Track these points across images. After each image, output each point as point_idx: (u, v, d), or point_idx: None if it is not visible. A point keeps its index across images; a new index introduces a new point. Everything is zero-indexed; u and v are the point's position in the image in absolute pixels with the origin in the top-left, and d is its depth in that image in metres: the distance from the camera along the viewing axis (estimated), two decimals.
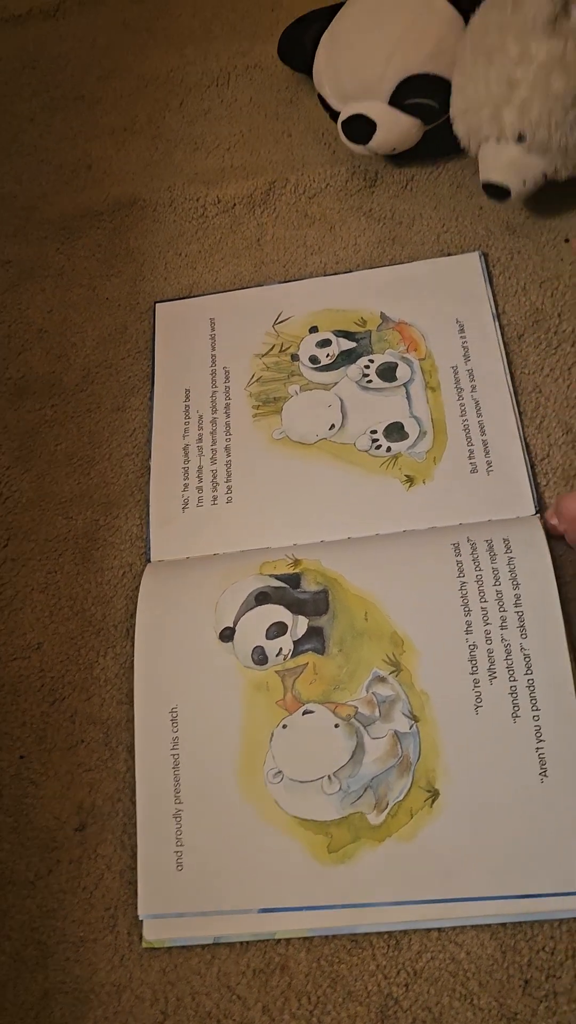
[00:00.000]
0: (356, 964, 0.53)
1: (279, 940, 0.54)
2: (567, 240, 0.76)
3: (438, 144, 0.79)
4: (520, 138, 0.68)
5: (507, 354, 0.72)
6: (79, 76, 1.02)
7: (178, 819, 0.57)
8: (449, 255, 0.78)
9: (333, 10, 0.81)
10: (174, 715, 0.59)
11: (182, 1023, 0.53)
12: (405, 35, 0.72)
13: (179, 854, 0.56)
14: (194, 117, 0.95)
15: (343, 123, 0.77)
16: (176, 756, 0.58)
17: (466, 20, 0.72)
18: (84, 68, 1.03)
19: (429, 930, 0.53)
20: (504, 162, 0.70)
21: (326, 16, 0.82)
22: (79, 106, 0.99)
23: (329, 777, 0.56)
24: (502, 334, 0.73)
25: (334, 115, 0.79)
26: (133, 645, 0.62)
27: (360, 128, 0.75)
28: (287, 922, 0.54)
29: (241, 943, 0.55)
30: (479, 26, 0.69)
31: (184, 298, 0.80)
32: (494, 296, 0.74)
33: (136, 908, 0.56)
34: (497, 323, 0.73)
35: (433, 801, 0.55)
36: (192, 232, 0.85)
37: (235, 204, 0.86)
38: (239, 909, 0.55)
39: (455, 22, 0.73)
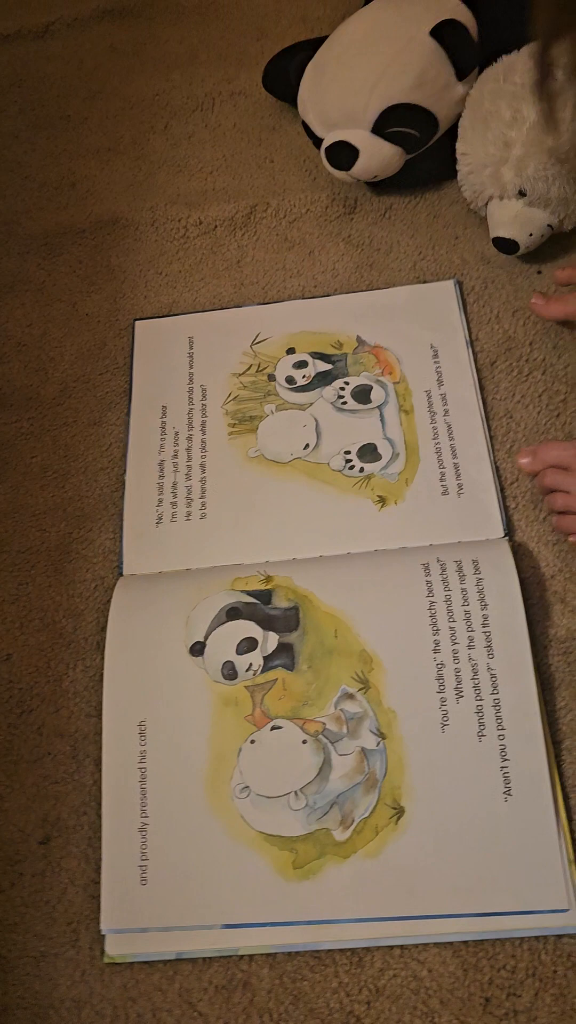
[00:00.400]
0: (319, 981, 0.53)
1: (242, 956, 0.54)
2: (540, 272, 0.78)
3: (418, 173, 0.81)
4: (521, 193, 0.72)
5: (479, 380, 0.73)
6: (65, 96, 1.04)
7: (144, 833, 0.57)
8: (425, 282, 0.79)
9: (318, 42, 0.84)
10: (142, 728, 0.59)
11: None
12: (389, 66, 0.75)
13: (144, 868, 0.56)
14: (178, 140, 0.97)
15: (327, 149, 0.79)
16: (143, 770, 0.58)
17: (448, 53, 0.75)
18: (70, 88, 1.04)
19: (392, 947, 0.54)
20: (509, 217, 0.74)
21: (311, 47, 0.84)
22: (65, 125, 1.01)
23: (296, 793, 0.57)
24: (475, 360, 0.74)
25: (317, 142, 0.81)
26: (103, 658, 0.62)
27: (343, 154, 0.77)
28: (250, 938, 0.54)
29: (204, 959, 0.55)
30: (476, 97, 0.74)
31: (163, 316, 0.81)
32: (468, 323, 0.76)
33: (99, 922, 0.55)
34: (470, 349, 0.74)
35: (399, 818, 0.56)
36: (173, 252, 0.87)
37: (216, 226, 0.87)
38: (203, 925, 0.55)
39: (437, 55, 0.75)
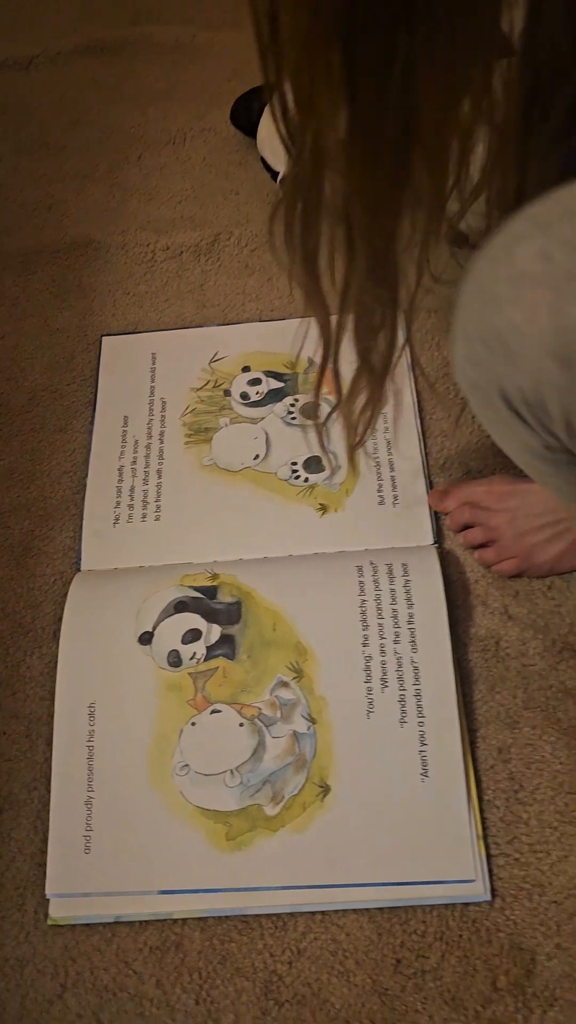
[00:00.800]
0: (245, 943, 0.58)
1: (176, 920, 0.59)
2: None
3: None
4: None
5: (419, 401, 0.80)
6: (47, 125, 1.10)
7: (89, 806, 0.61)
8: None
9: None
10: (92, 710, 0.64)
11: (79, 996, 0.57)
12: None
13: (88, 838, 0.60)
14: (150, 170, 1.03)
15: (281, 181, 0.85)
16: (91, 747, 0.63)
17: None
18: (52, 118, 1.10)
19: (314, 913, 0.58)
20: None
21: None
22: (45, 152, 1.07)
23: (231, 771, 0.62)
24: (415, 383, 0.80)
25: (274, 175, 0.87)
26: (59, 646, 0.66)
27: None
28: (184, 903, 0.59)
29: (140, 922, 0.59)
30: None
31: (129, 333, 0.86)
32: (411, 348, 0.82)
33: (44, 888, 0.60)
34: (411, 373, 0.81)
35: (324, 796, 0.61)
36: (141, 274, 0.92)
37: (182, 251, 0.93)
38: (140, 890, 0.59)
39: None
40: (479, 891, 0.58)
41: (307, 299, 0.49)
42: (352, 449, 0.60)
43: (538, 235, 0.39)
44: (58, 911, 0.59)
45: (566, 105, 0.45)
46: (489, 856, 0.59)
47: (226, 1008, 0.56)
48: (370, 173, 0.41)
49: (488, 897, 0.58)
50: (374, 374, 0.53)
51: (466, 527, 0.71)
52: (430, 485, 0.74)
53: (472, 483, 0.72)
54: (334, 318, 0.51)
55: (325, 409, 0.59)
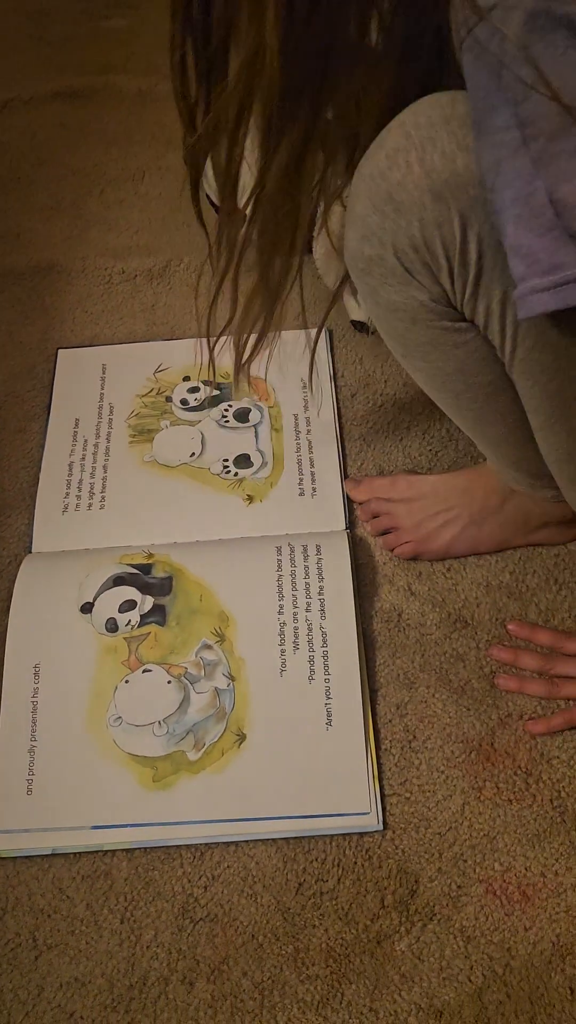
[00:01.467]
0: (167, 871, 0.66)
1: (106, 852, 0.66)
2: None
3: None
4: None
5: (340, 408, 0.89)
6: (17, 161, 1.20)
7: (32, 753, 0.69)
8: (304, 329, 0.96)
9: None
10: (36, 670, 0.72)
11: (17, 918, 0.64)
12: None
13: (30, 781, 0.68)
14: (111, 204, 1.14)
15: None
16: (35, 703, 0.71)
17: None
18: (22, 155, 1.21)
19: (228, 844, 0.66)
20: (355, 306, 0.93)
21: None
22: (15, 186, 1.17)
23: (159, 722, 0.70)
24: (337, 393, 0.90)
25: (217, 209, 0.98)
26: (8, 616, 0.74)
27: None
28: (114, 836, 0.66)
29: (74, 854, 0.67)
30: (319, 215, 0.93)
31: (84, 347, 0.96)
32: (334, 363, 0.92)
33: None
34: (334, 383, 0.91)
35: (241, 743, 0.69)
36: (98, 295, 1.02)
37: (136, 275, 1.03)
38: (75, 826, 0.67)
39: None
40: (373, 822, 0.66)
41: (223, 215, 0.59)
42: (238, 369, 0.69)
43: (396, 125, 0.51)
44: (1, 845, 0.67)
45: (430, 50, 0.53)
46: (383, 796, 0.67)
47: (147, 926, 0.64)
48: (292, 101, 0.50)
49: (380, 828, 0.66)
50: (269, 294, 0.63)
51: (375, 516, 0.80)
52: (345, 478, 0.84)
53: (379, 478, 0.82)
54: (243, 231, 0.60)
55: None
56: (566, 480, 0.65)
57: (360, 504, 0.81)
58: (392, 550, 0.78)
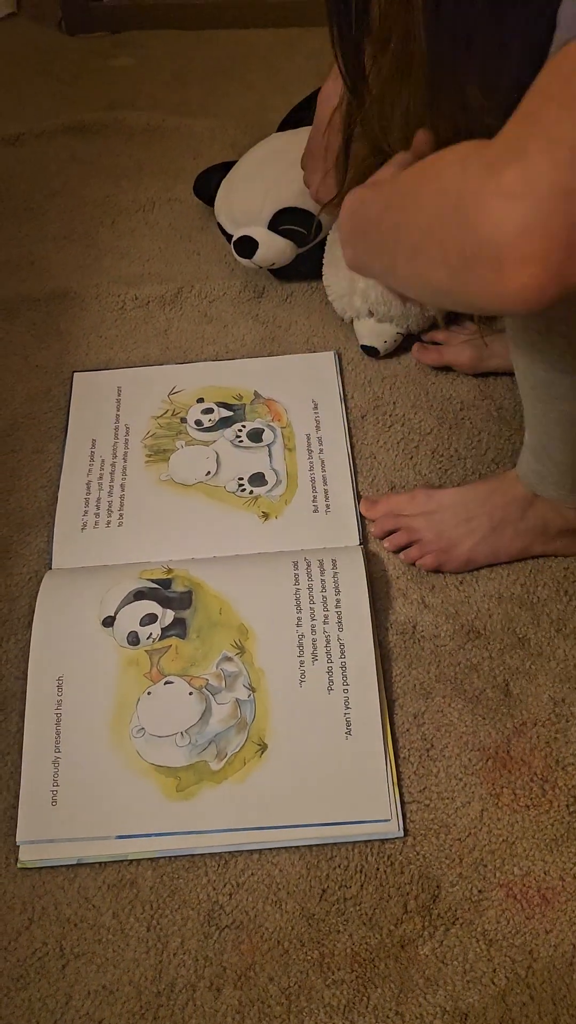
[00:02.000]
0: (191, 879, 0.67)
1: (131, 861, 0.67)
2: (409, 350, 0.98)
3: (309, 266, 1.02)
4: (370, 313, 0.93)
5: (351, 429, 0.92)
6: (31, 193, 1.23)
7: (56, 765, 0.70)
8: (313, 352, 0.99)
9: (233, 162, 1.05)
10: (60, 683, 0.73)
11: (44, 927, 0.65)
12: (279, 179, 0.96)
13: (55, 792, 0.69)
14: (123, 233, 1.17)
15: (234, 242, 0.99)
16: (59, 715, 0.72)
17: None
18: (36, 187, 1.24)
19: (252, 852, 0.67)
20: (367, 331, 0.96)
21: (228, 167, 1.05)
22: (29, 216, 1.20)
23: (181, 733, 0.71)
24: (348, 414, 0.93)
25: (228, 237, 1.01)
26: (31, 629, 0.76)
27: (246, 246, 0.98)
28: (139, 846, 0.67)
29: (99, 864, 0.67)
30: (331, 241, 0.99)
31: (99, 370, 0.98)
32: (343, 384, 0.95)
33: (15, 836, 0.68)
34: (344, 405, 0.93)
35: (262, 752, 0.70)
36: (112, 320, 1.05)
37: (149, 302, 1.06)
38: (100, 836, 0.68)
39: None
40: (394, 829, 0.67)
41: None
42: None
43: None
44: (27, 855, 0.67)
45: None
46: (403, 803, 0.69)
47: (174, 933, 0.65)
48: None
49: (401, 834, 0.67)
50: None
51: (390, 533, 0.82)
52: (357, 496, 0.86)
53: (395, 495, 0.84)
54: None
55: None
56: None
57: (374, 520, 0.83)
58: (414, 563, 0.80)
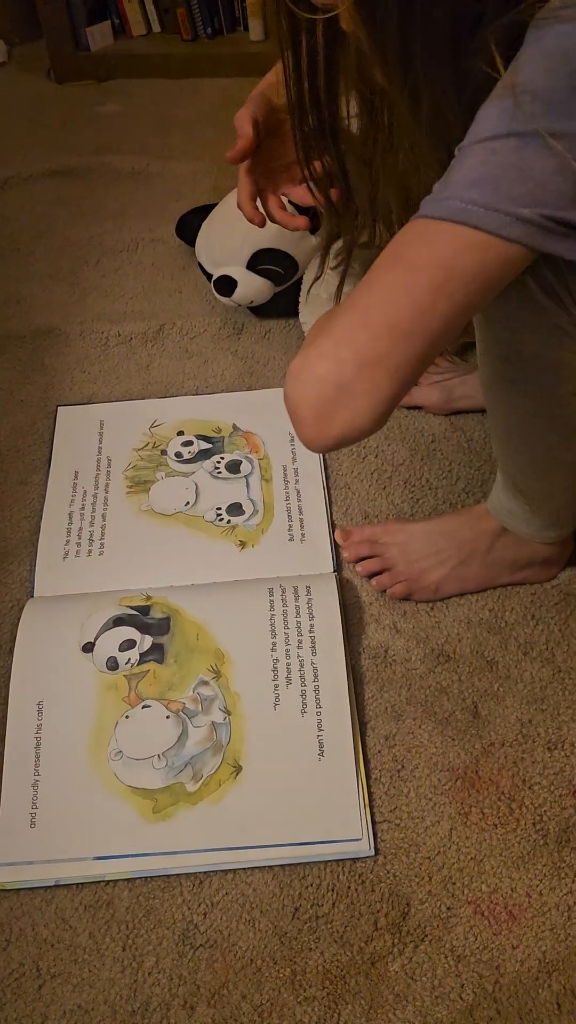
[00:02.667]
0: (167, 899, 0.68)
1: (108, 882, 0.69)
2: None
3: (286, 304, 1.06)
4: None
5: (325, 460, 0.95)
6: (18, 233, 1.27)
7: (35, 788, 0.72)
8: None
9: (214, 205, 1.10)
10: (40, 707, 0.75)
11: (21, 948, 0.66)
12: None
13: (33, 815, 0.71)
14: (107, 272, 1.21)
15: (214, 281, 1.03)
16: (39, 739, 0.74)
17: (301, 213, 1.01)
18: (22, 228, 1.28)
19: (226, 871, 0.69)
20: None
21: (209, 209, 1.10)
22: (15, 256, 1.24)
23: (159, 756, 0.73)
24: None
25: (208, 277, 1.05)
26: (13, 655, 0.78)
27: (226, 285, 1.02)
28: (115, 867, 0.69)
29: (77, 885, 0.69)
30: (305, 280, 1.01)
31: (83, 404, 1.01)
32: None
33: None
34: None
35: (237, 774, 0.72)
36: (96, 356, 1.08)
37: (132, 338, 1.10)
38: (78, 857, 0.69)
39: None
40: (365, 848, 0.69)
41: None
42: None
43: None
44: (5, 877, 0.69)
45: None
46: (374, 823, 0.70)
47: (149, 953, 0.66)
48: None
49: (372, 853, 0.69)
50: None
51: (363, 559, 0.85)
52: (332, 526, 0.89)
53: (369, 526, 0.87)
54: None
55: None
56: None
57: (348, 546, 0.86)
58: (384, 591, 0.83)
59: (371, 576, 0.84)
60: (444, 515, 0.86)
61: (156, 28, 1.61)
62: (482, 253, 0.47)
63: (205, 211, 1.12)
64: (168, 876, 0.69)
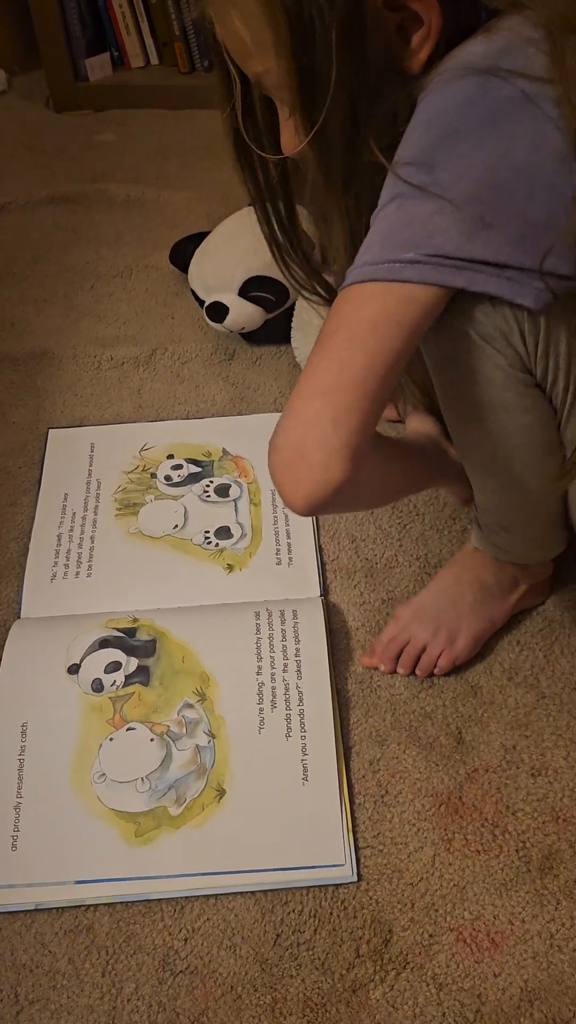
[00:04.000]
0: (147, 924, 0.67)
1: (89, 906, 0.68)
2: None
3: (276, 330, 1.07)
4: None
5: None
6: (14, 258, 1.29)
7: (17, 810, 0.71)
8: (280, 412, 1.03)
9: (207, 233, 1.11)
10: (24, 729, 0.75)
11: (0, 973, 0.66)
12: (249, 249, 1.02)
13: (15, 837, 0.70)
14: (101, 297, 1.22)
15: (206, 308, 1.04)
16: (22, 760, 0.73)
17: None
18: (18, 252, 1.30)
19: (208, 896, 0.68)
20: None
21: (203, 237, 1.11)
22: (10, 280, 1.25)
23: (142, 779, 0.73)
24: None
25: (201, 303, 1.06)
26: None
27: (218, 311, 1.03)
28: (97, 891, 0.68)
29: (57, 909, 0.68)
30: (300, 306, 1.03)
31: (74, 427, 1.02)
32: None
33: None
34: None
35: (220, 798, 0.72)
36: (88, 380, 1.09)
37: (124, 362, 1.11)
38: (59, 881, 0.69)
39: None
40: (347, 874, 0.68)
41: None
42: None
43: None
44: None
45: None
46: (357, 848, 0.70)
47: (128, 979, 0.65)
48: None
49: (355, 879, 0.68)
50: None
51: (398, 657, 0.79)
52: (320, 550, 0.89)
53: (382, 633, 0.81)
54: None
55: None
56: None
57: (379, 661, 0.80)
58: (432, 675, 0.79)
59: (416, 669, 0.79)
60: (439, 572, 0.83)
61: (154, 60, 1.64)
62: (387, 299, 0.54)
63: (198, 238, 1.14)
64: (149, 901, 0.68)
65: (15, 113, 1.65)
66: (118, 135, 1.57)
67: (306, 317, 1.02)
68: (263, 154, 0.64)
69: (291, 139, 0.59)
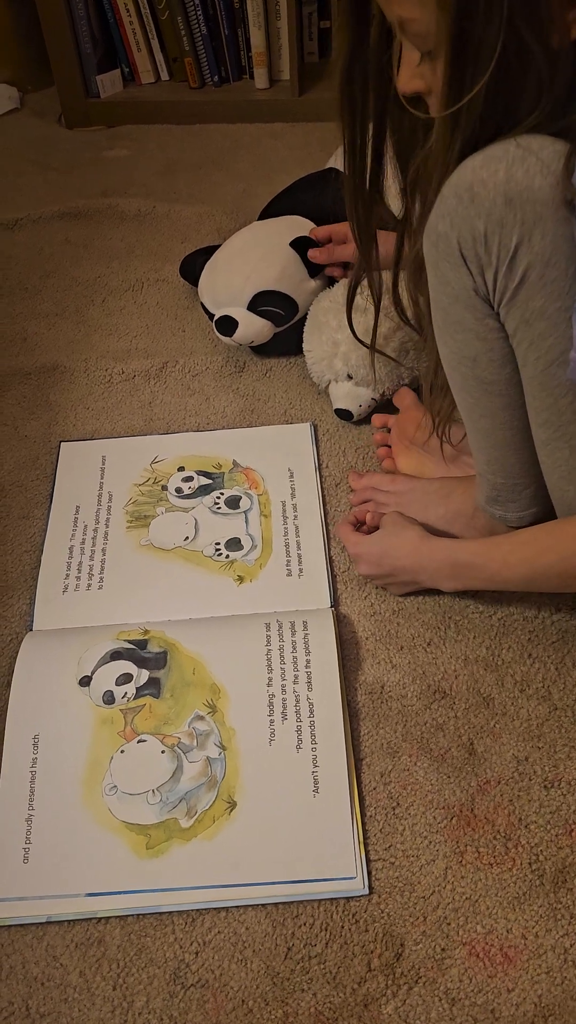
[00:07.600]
0: (159, 937, 0.67)
1: (100, 919, 0.68)
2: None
3: (286, 343, 1.07)
4: (349, 376, 0.98)
5: (324, 496, 0.96)
6: (25, 272, 1.30)
7: (29, 822, 0.71)
8: (290, 424, 1.03)
9: (218, 246, 1.12)
10: (36, 741, 0.75)
11: (11, 986, 0.66)
12: (259, 263, 1.03)
13: (27, 850, 0.70)
14: (112, 311, 1.23)
15: (216, 321, 1.05)
16: (34, 773, 0.74)
17: (302, 259, 1.03)
18: (30, 268, 1.31)
19: (219, 909, 0.68)
20: (343, 394, 1.01)
21: (213, 250, 1.12)
22: (23, 294, 1.26)
23: (153, 791, 0.73)
24: (322, 482, 0.97)
25: (211, 317, 1.07)
26: (10, 690, 0.78)
27: (227, 325, 1.04)
28: (108, 904, 0.68)
29: (68, 922, 0.68)
30: (314, 311, 1.04)
31: (85, 440, 1.03)
32: (318, 454, 0.99)
33: None
34: (319, 473, 0.97)
35: (232, 810, 0.72)
36: (99, 393, 1.10)
37: (135, 376, 1.11)
38: (70, 894, 0.69)
39: (294, 258, 1.04)
40: (359, 887, 0.68)
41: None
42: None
43: (507, 139, 0.59)
44: None
45: None
46: (369, 860, 0.70)
47: (139, 992, 0.65)
48: None
49: (366, 892, 0.68)
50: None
51: (365, 502, 0.91)
52: (330, 561, 0.89)
53: (379, 474, 0.93)
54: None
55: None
56: (565, 500, 0.71)
57: (356, 490, 0.92)
58: (362, 527, 0.89)
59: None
60: (446, 479, 0.89)
61: (164, 76, 1.66)
62: None
63: (208, 252, 1.14)
64: (160, 913, 0.68)
65: (27, 130, 1.67)
66: (129, 150, 1.58)
67: (322, 318, 1.02)
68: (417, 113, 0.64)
69: (411, 79, 0.62)
